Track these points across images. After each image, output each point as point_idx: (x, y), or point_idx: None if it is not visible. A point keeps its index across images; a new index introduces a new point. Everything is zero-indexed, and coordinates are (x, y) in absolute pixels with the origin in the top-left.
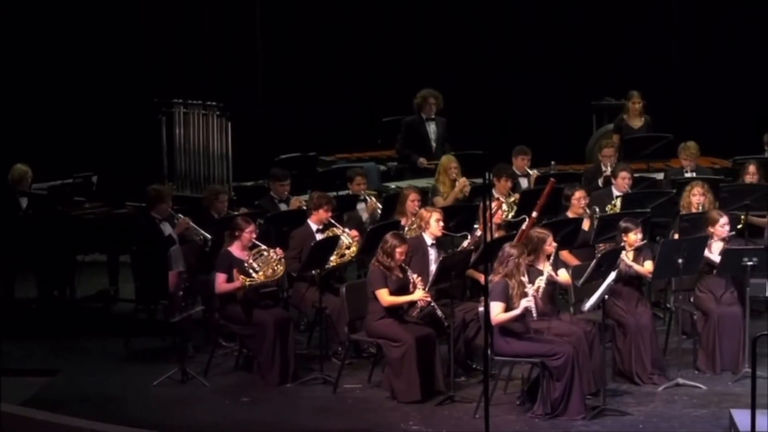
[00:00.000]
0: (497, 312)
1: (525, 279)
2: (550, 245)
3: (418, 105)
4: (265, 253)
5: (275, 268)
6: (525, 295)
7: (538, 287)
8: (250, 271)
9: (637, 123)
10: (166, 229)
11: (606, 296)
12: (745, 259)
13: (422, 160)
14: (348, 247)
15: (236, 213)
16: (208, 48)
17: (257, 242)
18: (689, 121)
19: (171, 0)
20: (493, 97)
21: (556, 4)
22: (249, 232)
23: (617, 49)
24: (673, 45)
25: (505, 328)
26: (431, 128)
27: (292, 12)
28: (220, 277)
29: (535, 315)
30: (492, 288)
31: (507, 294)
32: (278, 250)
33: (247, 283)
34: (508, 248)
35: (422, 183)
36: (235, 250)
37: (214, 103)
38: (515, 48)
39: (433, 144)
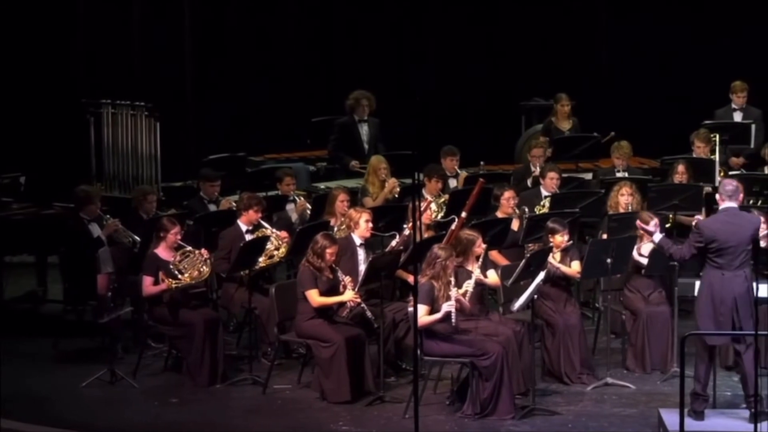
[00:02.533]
0: (421, 314)
1: (452, 281)
2: (480, 247)
3: (350, 106)
4: (191, 255)
5: (201, 269)
6: (450, 297)
7: (466, 291)
8: (176, 272)
9: (565, 125)
10: (95, 230)
11: (535, 296)
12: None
13: (354, 163)
14: (277, 248)
15: (165, 214)
16: (137, 48)
17: (183, 243)
18: (617, 121)
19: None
20: (423, 98)
21: (485, 4)
22: (174, 234)
23: (546, 49)
24: (599, 45)
25: (434, 329)
26: (364, 129)
27: (221, 12)
28: (147, 280)
29: (454, 320)
30: (419, 289)
31: (432, 296)
32: (204, 251)
33: (173, 286)
34: (436, 250)
35: (351, 183)
36: (162, 251)
37: (142, 104)
38: (444, 48)
39: (366, 145)
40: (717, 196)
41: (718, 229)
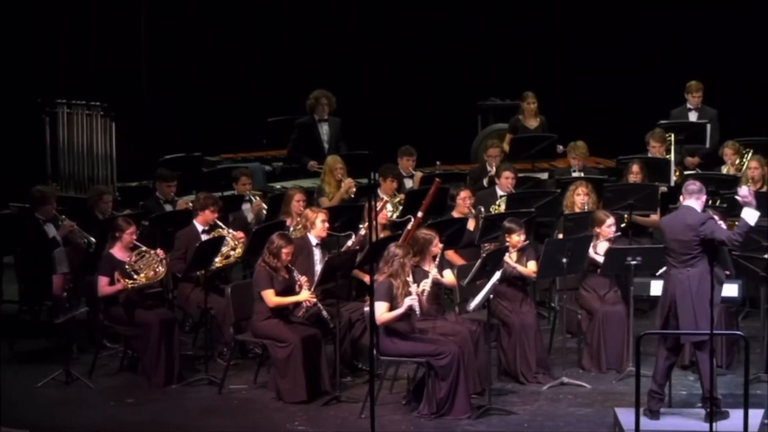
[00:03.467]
0: (382, 311)
1: (410, 279)
2: (437, 246)
3: (310, 106)
4: (147, 255)
5: (157, 269)
6: (409, 294)
7: (423, 290)
8: (132, 273)
9: (532, 123)
10: (51, 230)
11: (491, 296)
12: (629, 259)
13: (312, 163)
14: (233, 249)
15: (121, 214)
16: (93, 48)
17: (138, 243)
18: (573, 121)
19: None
20: (380, 98)
21: (438, 5)
22: (129, 234)
23: (502, 49)
24: (557, 45)
25: (390, 328)
26: (324, 129)
27: (176, 12)
28: (102, 281)
29: (418, 312)
30: (376, 288)
31: (391, 294)
32: (159, 251)
33: (129, 286)
34: (392, 248)
35: (308, 183)
36: (117, 251)
37: (98, 104)
38: (401, 48)
39: (326, 145)
40: (681, 196)
41: (667, 227)
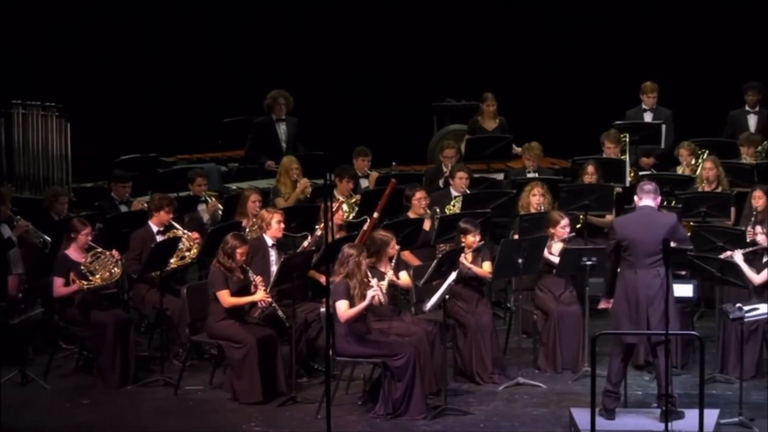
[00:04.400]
0: (344, 309)
1: (368, 277)
2: (393, 248)
3: (268, 106)
4: (102, 256)
5: (112, 270)
6: (366, 295)
7: (382, 285)
8: (87, 273)
9: (491, 124)
10: (5, 231)
11: (447, 296)
12: (584, 259)
13: (270, 163)
14: (188, 249)
15: (76, 215)
16: (48, 48)
17: (93, 244)
18: (528, 122)
19: (10, 0)
20: (336, 98)
21: (384, 5)
22: (85, 235)
23: (456, 50)
24: (507, 45)
25: (347, 329)
26: (281, 129)
27: (130, 11)
28: (58, 281)
29: (384, 300)
30: (334, 288)
31: (349, 293)
32: (115, 252)
33: (84, 287)
34: (346, 249)
35: (263, 184)
36: (72, 252)
37: (53, 104)
38: (358, 49)
39: (284, 145)
40: (635, 196)
41: (630, 227)
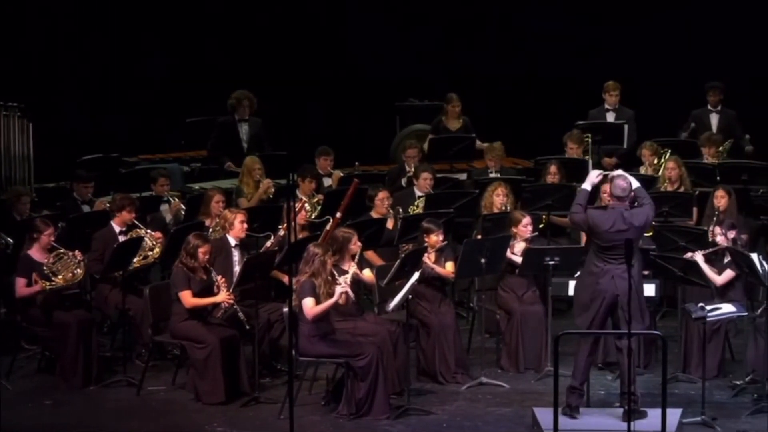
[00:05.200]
0: (311, 305)
1: (334, 275)
2: (355, 245)
3: (231, 106)
4: (65, 256)
5: (75, 271)
6: (332, 294)
7: (346, 286)
8: (50, 274)
9: (455, 125)
10: None
11: (410, 296)
12: (547, 259)
13: (229, 164)
14: (151, 249)
15: (38, 215)
16: (8, 48)
17: (56, 245)
18: (490, 121)
19: None
20: (298, 99)
21: (360, 6)
22: (47, 235)
23: (421, 50)
24: (476, 45)
25: (310, 329)
26: (244, 129)
27: (93, 11)
28: (20, 282)
29: (353, 296)
30: (300, 287)
31: (315, 292)
32: (78, 252)
33: (47, 287)
34: (312, 248)
35: (226, 184)
36: (35, 253)
37: (14, 104)
38: (322, 48)
39: (245, 145)
40: (608, 196)
41: (605, 224)
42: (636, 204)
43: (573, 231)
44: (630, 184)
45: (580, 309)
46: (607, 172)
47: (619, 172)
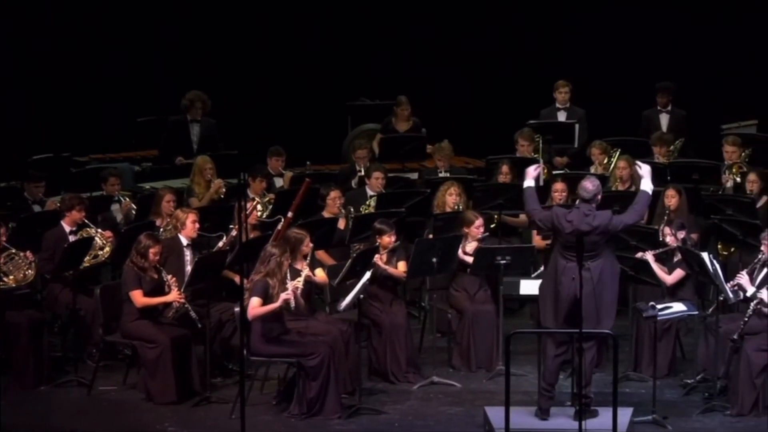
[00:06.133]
0: (255, 305)
1: (288, 278)
2: (308, 246)
3: (184, 106)
4: (16, 257)
5: (26, 272)
6: (285, 290)
7: (297, 287)
8: (1, 275)
9: (404, 126)
10: None
11: (361, 296)
12: (498, 258)
13: (180, 159)
14: (101, 248)
15: None
16: None
17: (7, 245)
18: (441, 120)
19: None
20: (249, 98)
21: (313, 6)
22: None
23: (372, 50)
24: (430, 46)
25: (261, 329)
26: (195, 130)
27: (41, 8)
28: None
29: (293, 305)
30: (253, 285)
31: (267, 292)
32: (29, 253)
33: None
34: (269, 247)
35: (177, 184)
36: None
37: None
38: (272, 48)
39: (195, 146)
40: (577, 196)
41: (567, 226)
42: (614, 210)
43: (524, 231)
44: (597, 186)
45: (545, 308)
46: (539, 165)
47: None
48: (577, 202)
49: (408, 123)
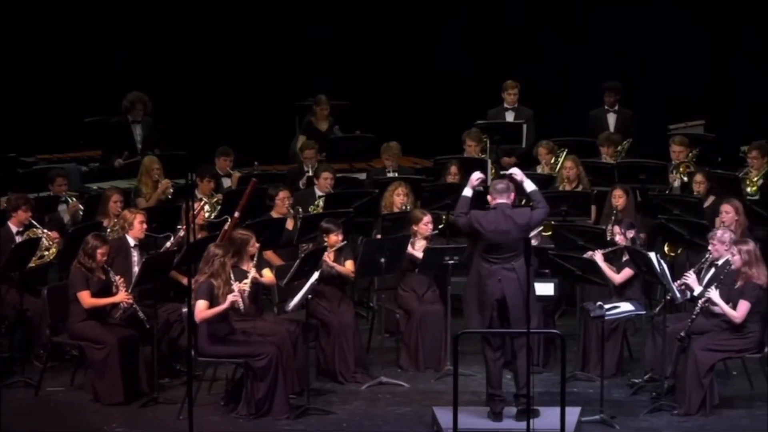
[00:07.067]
0: (202, 308)
1: (232, 278)
2: (254, 246)
3: (125, 107)
4: None
5: None
6: (231, 293)
7: (244, 289)
8: None
9: (323, 126)
10: None
11: (309, 296)
12: (447, 258)
13: (119, 161)
14: (47, 249)
15: None
16: None
17: None
18: (389, 120)
19: None
20: (198, 98)
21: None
22: None
23: (317, 49)
24: (374, 44)
25: (209, 329)
26: (137, 130)
27: None
28: None
29: (242, 307)
30: (197, 287)
31: (212, 293)
32: None
33: None
34: (212, 248)
35: (124, 184)
36: None
37: None
38: (220, 48)
39: (139, 146)
40: (488, 196)
41: (488, 225)
42: (531, 206)
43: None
44: (509, 184)
45: (472, 313)
46: (481, 177)
47: (514, 170)
48: (493, 203)
49: (327, 122)
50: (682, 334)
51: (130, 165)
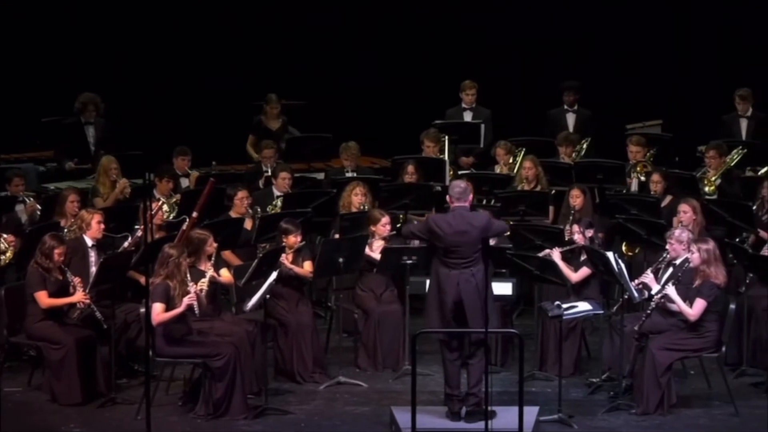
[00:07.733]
0: (158, 311)
1: (187, 278)
2: (211, 246)
3: (78, 108)
4: None
5: None
6: (187, 293)
7: (201, 289)
8: None
9: (274, 125)
10: None
11: (267, 296)
12: (405, 258)
13: (70, 164)
14: (3, 252)
15: None
16: None
17: None
18: (347, 120)
19: None
20: (155, 97)
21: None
22: None
23: (275, 48)
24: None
25: (166, 330)
26: (90, 132)
27: None
28: None
29: (197, 311)
30: (153, 289)
31: (168, 295)
32: None
33: None
34: (167, 249)
35: (82, 184)
36: None
37: None
38: (177, 48)
39: (92, 147)
40: (447, 197)
41: (446, 227)
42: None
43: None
44: (468, 186)
45: (432, 316)
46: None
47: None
48: (452, 206)
49: (278, 121)
50: (635, 328)
51: (83, 169)
